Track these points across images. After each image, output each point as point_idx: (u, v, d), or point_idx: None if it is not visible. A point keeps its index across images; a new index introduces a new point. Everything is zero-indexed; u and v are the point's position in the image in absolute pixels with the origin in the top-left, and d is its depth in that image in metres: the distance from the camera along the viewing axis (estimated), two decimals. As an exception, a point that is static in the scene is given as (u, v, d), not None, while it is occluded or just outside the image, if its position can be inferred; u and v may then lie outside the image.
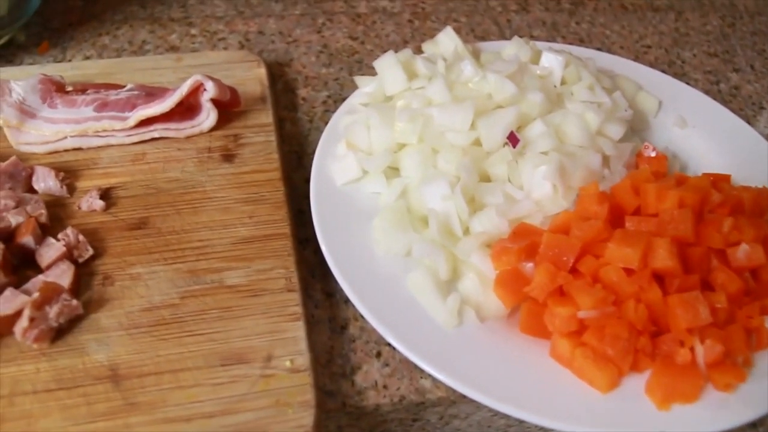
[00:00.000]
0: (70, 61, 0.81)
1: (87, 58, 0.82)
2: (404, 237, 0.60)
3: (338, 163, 0.66)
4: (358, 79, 0.73)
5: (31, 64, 0.81)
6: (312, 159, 0.68)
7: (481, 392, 0.52)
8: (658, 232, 0.56)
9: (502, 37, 0.88)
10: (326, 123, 0.73)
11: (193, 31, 0.86)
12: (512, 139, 0.63)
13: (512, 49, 0.73)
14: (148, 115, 0.67)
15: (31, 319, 0.53)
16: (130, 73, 0.76)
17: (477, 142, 0.64)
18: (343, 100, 0.77)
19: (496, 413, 0.59)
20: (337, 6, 0.91)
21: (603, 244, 0.56)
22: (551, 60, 0.71)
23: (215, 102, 0.69)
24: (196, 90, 0.68)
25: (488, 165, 0.64)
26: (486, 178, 0.64)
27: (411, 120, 0.64)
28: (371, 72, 0.80)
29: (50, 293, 0.54)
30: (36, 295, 0.53)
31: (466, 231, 0.61)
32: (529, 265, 0.57)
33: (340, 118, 0.70)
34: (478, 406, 0.58)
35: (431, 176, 0.62)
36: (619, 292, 0.54)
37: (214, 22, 0.87)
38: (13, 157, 0.63)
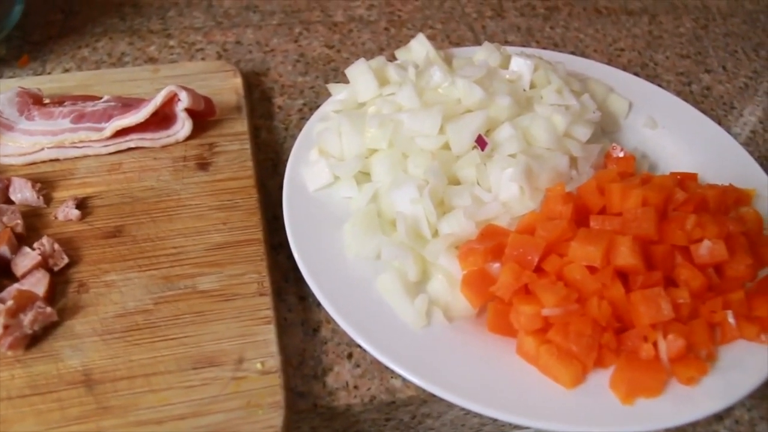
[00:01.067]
0: (49, 74, 0.83)
1: (66, 70, 0.83)
2: (374, 240, 0.61)
3: (310, 169, 0.67)
4: (332, 87, 0.74)
5: (11, 77, 0.82)
6: (285, 167, 0.69)
7: (450, 391, 0.53)
8: (621, 231, 0.57)
9: (477, 43, 0.90)
10: (301, 130, 0.74)
11: (172, 43, 0.87)
12: (480, 143, 0.65)
13: (482, 54, 0.75)
14: (123, 125, 0.68)
15: (6, 327, 0.54)
16: (108, 85, 0.77)
17: (446, 146, 0.66)
18: (319, 107, 0.78)
19: (468, 412, 0.60)
20: (314, 15, 0.93)
21: (567, 243, 0.57)
22: (520, 64, 0.72)
23: (190, 111, 0.70)
24: (171, 100, 0.69)
25: (457, 168, 0.65)
26: (455, 181, 0.65)
27: (381, 126, 0.66)
28: (347, 80, 0.81)
29: (25, 301, 0.55)
30: (10, 302, 0.54)
31: (435, 233, 0.62)
32: (496, 265, 0.58)
33: (313, 126, 0.72)
34: (449, 404, 0.59)
35: (400, 180, 0.63)
36: (582, 289, 0.55)
37: (193, 33, 0.89)
38: (-11, 169, 0.65)
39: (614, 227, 0.58)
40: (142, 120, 0.68)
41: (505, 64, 0.74)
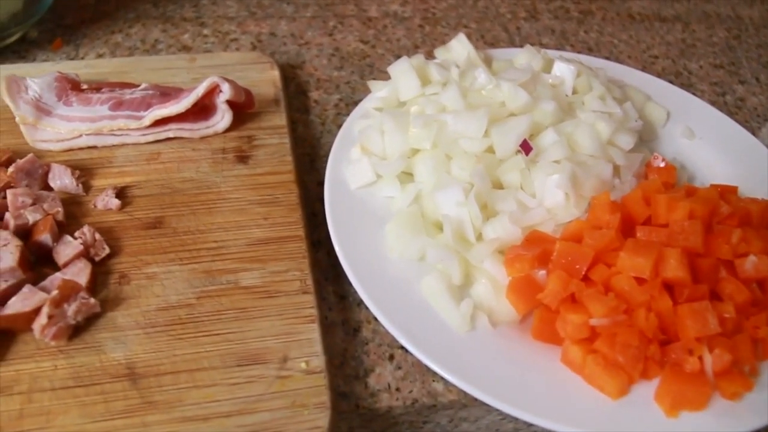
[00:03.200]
0: (83, 58, 0.82)
1: (100, 56, 0.82)
2: (418, 242, 0.61)
3: (352, 167, 0.66)
4: (372, 84, 0.74)
5: (44, 60, 0.81)
6: (325, 162, 0.69)
7: (493, 396, 0.53)
8: (668, 243, 0.57)
9: (512, 43, 0.89)
10: (338, 126, 0.73)
11: (206, 32, 0.86)
12: (525, 147, 0.64)
13: (524, 57, 0.74)
14: (163, 115, 0.67)
15: (50, 317, 0.53)
16: (144, 73, 0.76)
17: (489, 150, 0.65)
18: (355, 103, 0.78)
19: (505, 417, 0.60)
20: (348, 9, 0.92)
21: (615, 253, 0.57)
22: (563, 69, 0.71)
23: (230, 103, 0.69)
24: (212, 91, 0.68)
25: (500, 172, 0.64)
26: (497, 185, 0.65)
27: (425, 126, 0.65)
28: (382, 76, 0.81)
29: (69, 291, 0.54)
30: (55, 292, 0.54)
31: (479, 237, 0.62)
32: (542, 272, 0.58)
33: (353, 122, 0.71)
34: (488, 409, 0.59)
35: (445, 182, 0.62)
36: (630, 300, 0.55)
37: (226, 22, 0.88)
38: (30, 154, 0.64)
39: (661, 239, 0.58)
40: (182, 110, 0.67)
41: (547, 68, 0.73)
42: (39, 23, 0.83)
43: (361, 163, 0.66)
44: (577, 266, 0.56)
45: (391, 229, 0.62)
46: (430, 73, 0.72)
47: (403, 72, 0.71)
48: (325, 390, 0.53)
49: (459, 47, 0.77)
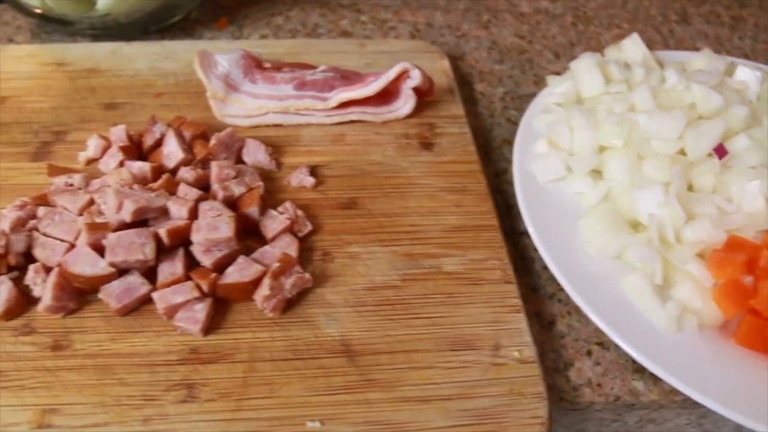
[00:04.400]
0: (247, 38, 0.83)
1: (263, 37, 0.83)
2: (618, 239, 0.60)
3: (540, 161, 0.66)
4: (551, 79, 0.73)
5: (210, 39, 0.82)
6: (498, 154, 0.69)
7: (711, 397, 0.52)
8: None
9: (666, 46, 0.88)
10: (507, 119, 0.74)
11: (363, 18, 0.87)
12: (719, 151, 0.63)
13: (702, 61, 0.74)
14: (350, 97, 0.68)
15: (271, 288, 0.54)
16: (316, 55, 0.77)
17: (680, 151, 0.65)
18: (520, 97, 0.78)
19: (690, 422, 0.60)
20: (499, 4, 0.92)
21: (828, 263, 0.56)
22: (748, 75, 0.70)
23: (414, 90, 0.70)
24: (400, 76, 0.68)
25: (693, 175, 0.64)
26: (689, 188, 0.64)
27: (619, 124, 0.65)
28: (543, 71, 0.81)
29: (287, 265, 0.55)
30: (276, 265, 0.54)
31: (677, 238, 0.61)
32: (748, 278, 0.57)
33: (533, 117, 0.71)
34: (678, 412, 0.59)
35: (643, 182, 0.62)
36: None
37: (382, 10, 0.88)
38: (230, 128, 0.64)
39: None
40: (371, 94, 0.67)
41: (728, 72, 0.72)
42: (201, 3, 0.84)
43: (550, 158, 0.66)
44: (791, 274, 0.56)
45: (588, 224, 0.61)
46: (611, 72, 0.72)
47: (586, 69, 0.71)
48: (540, 380, 0.53)
49: (632, 47, 0.76)
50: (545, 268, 0.63)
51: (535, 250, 0.64)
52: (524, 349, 0.54)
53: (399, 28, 0.86)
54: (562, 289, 0.62)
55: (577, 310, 0.61)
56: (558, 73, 0.82)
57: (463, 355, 0.54)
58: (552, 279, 0.63)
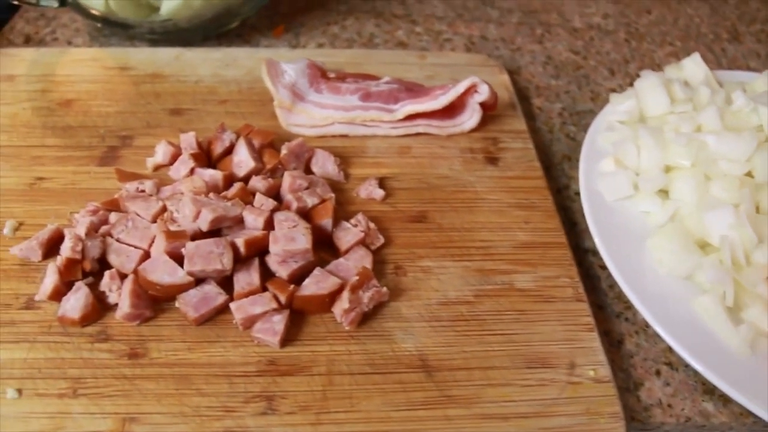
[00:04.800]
0: (304, 47, 0.83)
1: (320, 45, 0.83)
2: (689, 260, 0.60)
3: (607, 180, 0.66)
4: (613, 96, 0.73)
5: (267, 46, 0.82)
6: (559, 170, 0.69)
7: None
8: None
9: (719, 65, 0.89)
10: (566, 135, 0.74)
11: (418, 29, 0.87)
12: (788, 174, 0.64)
13: (764, 82, 0.74)
14: (417, 110, 0.68)
15: (350, 302, 0.54)
16: (377, 66, 0.77)
17: (747, 173, 0.65)
18: (578, 113, 0.78)
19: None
20: (552, 18, 0.92)
21: None
22: (811, 97, 0.71)
23: (479, 105, 0.70)
24: (468, 91, 0.69)
25: (761, 197, 0.64)
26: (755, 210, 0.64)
27: (687, 144, 0.65)
28: (599, 88, 0.81)
29: (365, 278, 0.55)
30: (355, 278, 0.54)
31: (747, 260, 0.61)
32: (821, 303, 0.57)
33: (596, 134, 0.71)
34: (746, 436, 0.59)
35: (713, 203, 0.62)
36: None
37: (436, 22, 0.89)
38: (300, 139, 0.64)
39: None
40: (439, 107, 0.68)
41: (789, 95, 0.72)
42: (258, 10, 0.84)
43: (617, 177, 0.66)
44: None
45: (657, 244, 0.61)
46: (674, 91, 0.72)
47: (651, 88, 0.71)
48: (616, 400, 0.53)
49: (693, 67, 0.76)
50: (611, 286, 0.63)
51: (601, 267, 0.65)
52: (599, 368, 0.54)
53: (454, 41, 0.86)
54: (629, 308, 0.62)
55: (645, 330, 0.61)
56: (614, 90, 0.82)
57: (539, 373, 0.54)
58: (618, 298, 0.63)
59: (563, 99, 0.80)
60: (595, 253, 0.65)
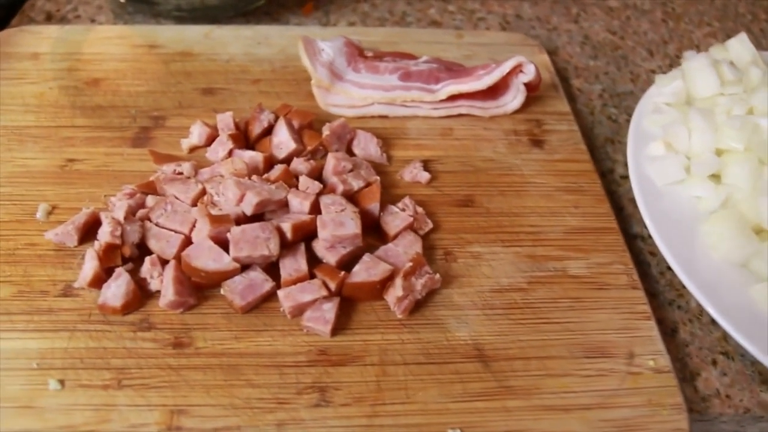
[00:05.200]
0: (335, 25, 0.80)
1: (351, 24, 0.81)
2: (745, 246, 0.58)
3: (657, 164, 0.64)
4: (660, 78, 0.71)
5: (297, 24, 0.80)
6: (602, 153, 0.67)
7: None
8: None
9: (759, 46, 0.86)
10: (608, 117, 0.72)
11: (451, 8, 0.84)
12: (844, 158, 0.62)
13: (812, 63, 0.72)
14: (461, 90, 0.66)
15: (404, 289, 0.52)
16: (414, 45, 0.74)
17: (802, 158, 0.63)
18: (618, 95, 0.76)
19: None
20: (587, -3, 0.90)
21: None
22: None
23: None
24: (512, 71, 0.66)
25: (816, 183, 0.62)
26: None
27: (742, 128, 0.63)
28: (638, 69, 0.79)
29: (417, 265, 0.53)
30: (409, 265, 0.52)
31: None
32: None
33: (642, 116, 0.69)
34: (799, 425, 0.57)
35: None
36: None
37: (469, 1, 0.86)
38: (342, 119, 0.62)
39: None
40: (483, 87, 0.65)
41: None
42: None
43: (667, 160, 0.64)
44: None
45: (712, 230, 0.60)
46: (723, 72, 0.69)
47: (699, 69, 0.68)
48: (677, 391, 0.51)
49: (740, 47, 0.74)
50: (662, 273, 0.62)
51: (651, 254, 0.63)
52: (658, 357, 0.53)
53: (488, 19, 0.84)
54: (681, 295, 0.60)
55: (699, 318, 0.59)
56: (653, 71, 0.80)
57: (598, 362, 0.52)
58: (670, 285, 0.61)
59: (602, 80, 0.78)
60: (644, 238, 0.64)
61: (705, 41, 0.85)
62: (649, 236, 0.64)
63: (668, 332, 0.58)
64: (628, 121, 0.73)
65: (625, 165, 0.69)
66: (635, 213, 0.65)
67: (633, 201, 0.66)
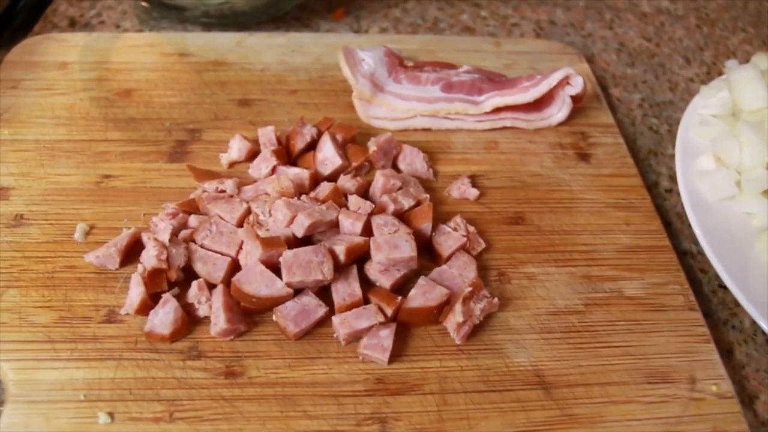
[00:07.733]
0: (366, 31, 0.78)
1: (383, 30, 0.78)
2: (802, 265, 0.57)
3: (707, 179, 0.63)
4: (704, 89, 0.70)
5: (327, 30, 0.77)
6: (646, 165, 0.66)
7: None
8: None
9: (793, 53, 0.85)
10: (649, 127, 0.70)
11: (483, 13, 0.82)
12: None
13: None
14: (506, 102, 0.64)
15: (464, 314, 0.50)
16: (451, 53, 0.72)
17: None
18: (658, 105, 0.74)
19: None
20: (619, 2, 0.88)
21: None
22: None
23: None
24: (559, 83, 0.64)
25: None
26: None
27: (794, 142, 0.61)
28: (676, 77, 0.77)
29: (477, 289, 0.51)
30: (468, 289, 0.51)
31: None
32: None
33: (688, 128, 0.67)
34: None
35: (825, 205, 0.59)
36: None
37: (501, 6, 0.84)
38: (389, 134, 0.60)
39: None
40: (530, 100, 0.64)
41: None
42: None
43: (717, 175, 0.62)
44: None
45: (766, 247, 0.58)
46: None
47: (747, 80, 0.67)
48: (742, 417, 0.50)
49: (783, 56, 0.73)
50: (713, 291, 0.60)
51: (702, 271, 0.61)
52: (720, 382, 0.52)
53: (522, 25, 0.82)
54: (735, 314, 0.59)
55: (753, 339, 0.58)
56: (692, 80, 0.78)
57: (660, 388, 0.51)
58: (722, 304, 0.60)
59: (641, 89, 0.77)
60: (694, 255, 0.62)
61: (741, 48, 0.83)
62: (699, 253, 0.63)
63: (723, 353, 0.57)
64: (669, 132, 0.72)
65: (669, 178, 0.68)
66: (683, 228, 0.64)
67: (680, 216, 0.65)
